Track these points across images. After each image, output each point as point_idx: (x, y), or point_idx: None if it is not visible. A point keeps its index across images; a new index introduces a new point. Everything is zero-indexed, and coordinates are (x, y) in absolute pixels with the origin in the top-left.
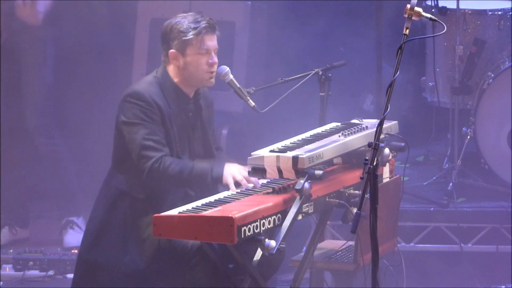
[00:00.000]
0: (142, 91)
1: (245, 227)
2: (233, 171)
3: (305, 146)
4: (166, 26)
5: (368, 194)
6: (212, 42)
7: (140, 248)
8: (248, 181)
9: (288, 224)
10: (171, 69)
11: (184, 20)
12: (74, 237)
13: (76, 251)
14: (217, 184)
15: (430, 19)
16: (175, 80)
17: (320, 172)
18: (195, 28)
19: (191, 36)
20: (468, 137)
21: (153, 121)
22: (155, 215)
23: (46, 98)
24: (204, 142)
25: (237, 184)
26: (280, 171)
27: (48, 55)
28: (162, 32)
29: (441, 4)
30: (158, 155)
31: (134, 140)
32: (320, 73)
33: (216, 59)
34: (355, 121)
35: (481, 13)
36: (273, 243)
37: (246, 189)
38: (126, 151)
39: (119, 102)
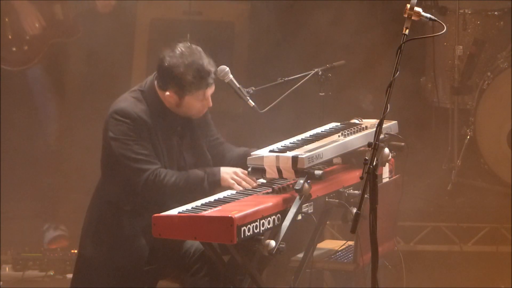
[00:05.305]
0: (127, 109)
1: (244, 227)
2: (229, 173)
3: (305, 146)
4: (168, 65)
5: (368, 194)
6: (211, 90)
7: (130, 256)
8: (247, 181)
9: (287, 224)
10: (161, 93)
11: (186, 68)
12: (54, 234)
13: (75, 251)
14: (215, 188)
15: (430, 19)
16: (165, 103)
17: (320, 172)
18: (199, 84)
19: (193, 90)
20: (468, 137)
21: (140, 137)
22: (155, 215)
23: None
24: (195, 150)
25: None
26: (279, 171)
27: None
28: (163, 68)
29: (441, 4)
30: (152, 167)
31: (125, 156)
32: (320, 73)
33: (211, 103)
34: (354, 121)
35: (481, 13)
36: (272, 243)
37: (245, 189)
38: (113, 164)
39: (106, 117)
